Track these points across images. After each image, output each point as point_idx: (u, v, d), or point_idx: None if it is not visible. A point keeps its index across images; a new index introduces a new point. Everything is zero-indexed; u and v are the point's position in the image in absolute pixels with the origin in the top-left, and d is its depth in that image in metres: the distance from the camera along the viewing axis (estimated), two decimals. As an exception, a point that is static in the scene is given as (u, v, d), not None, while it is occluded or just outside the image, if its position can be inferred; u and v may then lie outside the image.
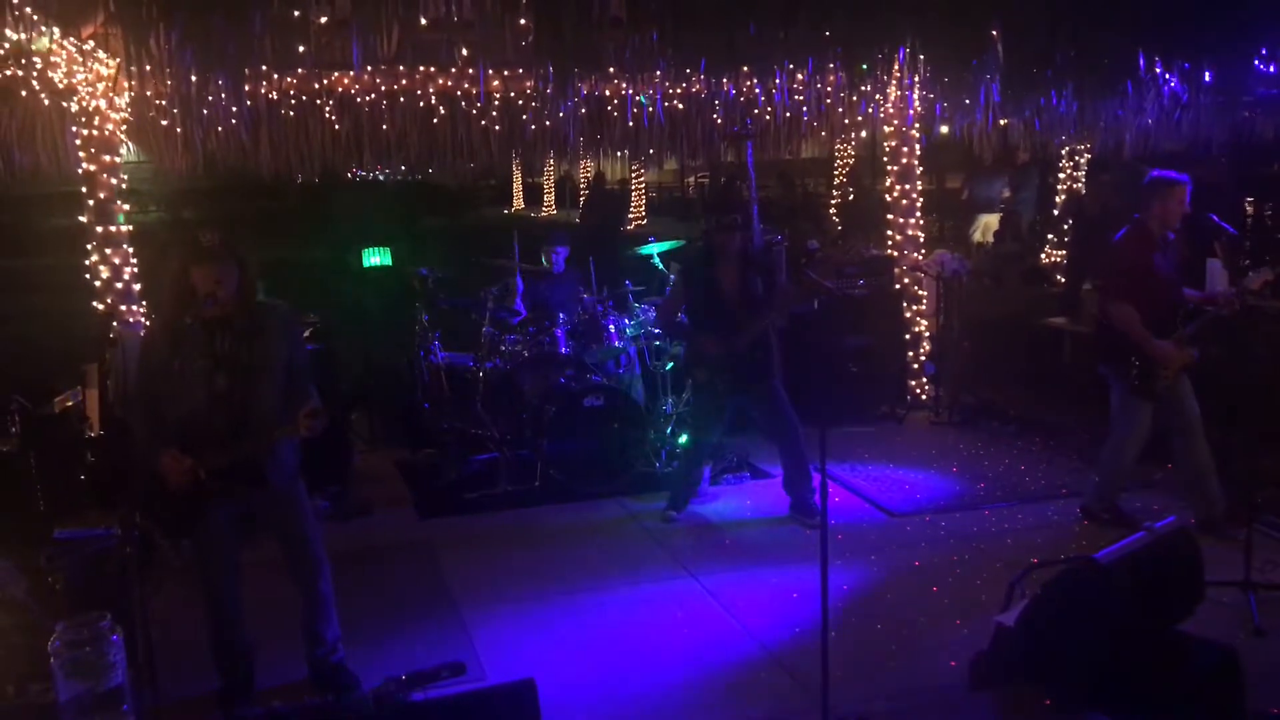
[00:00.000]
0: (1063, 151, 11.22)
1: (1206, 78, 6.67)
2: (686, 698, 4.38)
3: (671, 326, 6.66)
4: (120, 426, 5.53)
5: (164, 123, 7.18)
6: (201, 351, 4.04)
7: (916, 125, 8.49)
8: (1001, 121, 8.33)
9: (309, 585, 4.39)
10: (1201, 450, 5.72)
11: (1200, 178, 9.53)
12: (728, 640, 4.89)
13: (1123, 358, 5.67)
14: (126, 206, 6.98)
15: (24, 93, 6.33)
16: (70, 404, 6.09)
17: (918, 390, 8.82)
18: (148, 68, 5.31)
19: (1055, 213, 11.67)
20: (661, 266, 7.83)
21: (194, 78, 5.44)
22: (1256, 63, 6.54)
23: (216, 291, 3.99)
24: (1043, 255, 11.51)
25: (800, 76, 7.27)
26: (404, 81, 7.30)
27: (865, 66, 6.45)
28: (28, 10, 5.04)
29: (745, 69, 7.21)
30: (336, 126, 7.49)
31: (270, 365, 4.13)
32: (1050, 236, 11.58)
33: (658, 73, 7.23)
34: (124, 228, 6.90)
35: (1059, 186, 11.62)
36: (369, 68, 7.07)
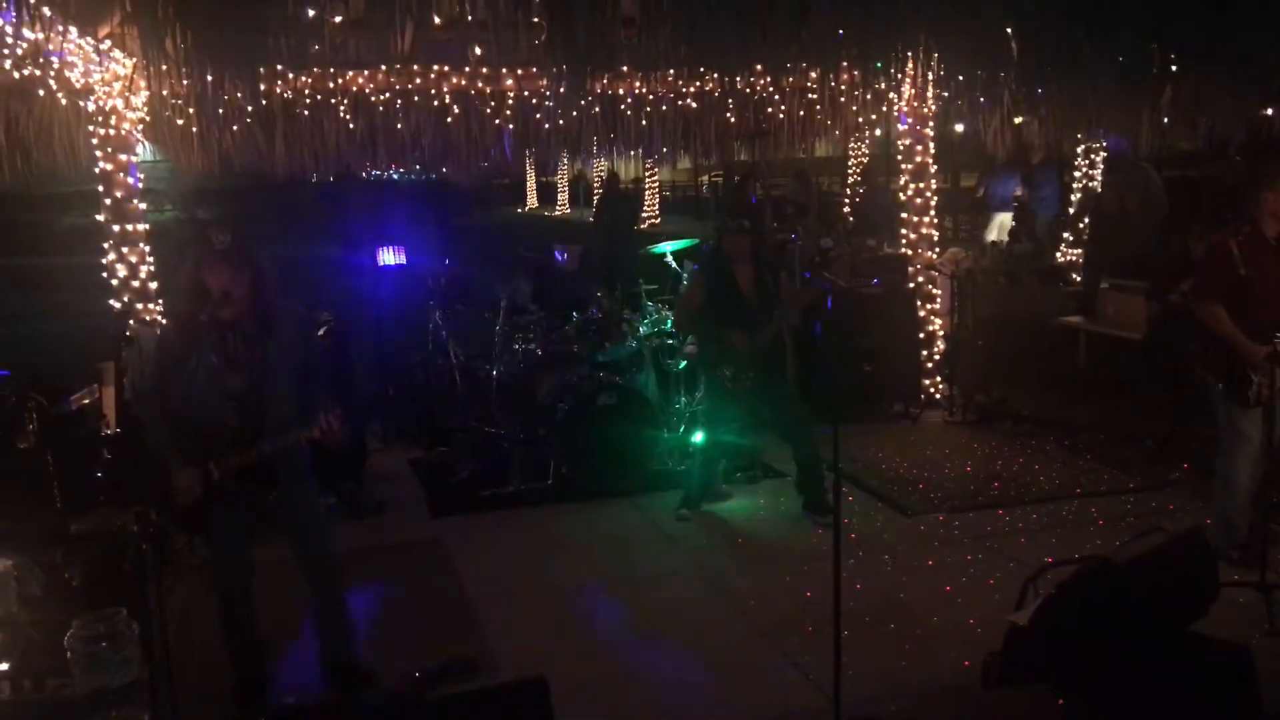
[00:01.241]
0: (1079, 149, 11.17)
1: (1221, 75, 6.62)
2: (700, 695, 4.38)
3: (691, 324, 6.62)
4: (136, 424, 5.56)
5: (180, 122, 7.22)
6: (215, 351, 4.07)
7: (930, 123, 8.47)
8: (1017, 120, 8.30)
9: (321, 583, 4.41)
10: (1257, 472, 5.46)
11: (1216, 176, 9.48)
12: (741, 638, 4.89)
13: (1218, 360, 5.30)
14: (143, 205, 7.01)
15: (41, 92, 6.38)
16: (87, 402, 6.12)
17: (932, 389, 8.79)
18: (164, 67, 5.34)
19: (1071, 211, 11.61)
20: (674, 265, 7.84)
21: (209, 77, 5.47)
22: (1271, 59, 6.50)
23: (229, 291, 4.02)
24: (1058, 254, 11.46)
25: (814, 75, 7.26)
26: (418, 81, 7.33)
27: (879, 65, 6.43)
28: (45, 10, 5.07)
29: (759, 67, 7.21)
30: (351, 126, 7.52)
31: (283, 365, 4.16)
32: (1066, 235, 11.53)
33: (671, 71, 7.23)
34: (140, 226, 6.94)
35: (1074, 185, 11.57)
36: (383, 67, 7.09)
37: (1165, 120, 7.99)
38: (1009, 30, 6.02)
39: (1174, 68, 6.32)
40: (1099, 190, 10.94)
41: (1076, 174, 11.44)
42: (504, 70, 7.27)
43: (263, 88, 6.77)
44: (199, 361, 4.05)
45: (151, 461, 4.16)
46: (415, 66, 7.13)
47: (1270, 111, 8.34)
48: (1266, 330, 5.04)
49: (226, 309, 4.04)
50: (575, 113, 7.26)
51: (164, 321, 6.72)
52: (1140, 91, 6.76)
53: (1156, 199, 9.58)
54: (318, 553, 4.40)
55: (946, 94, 7.27)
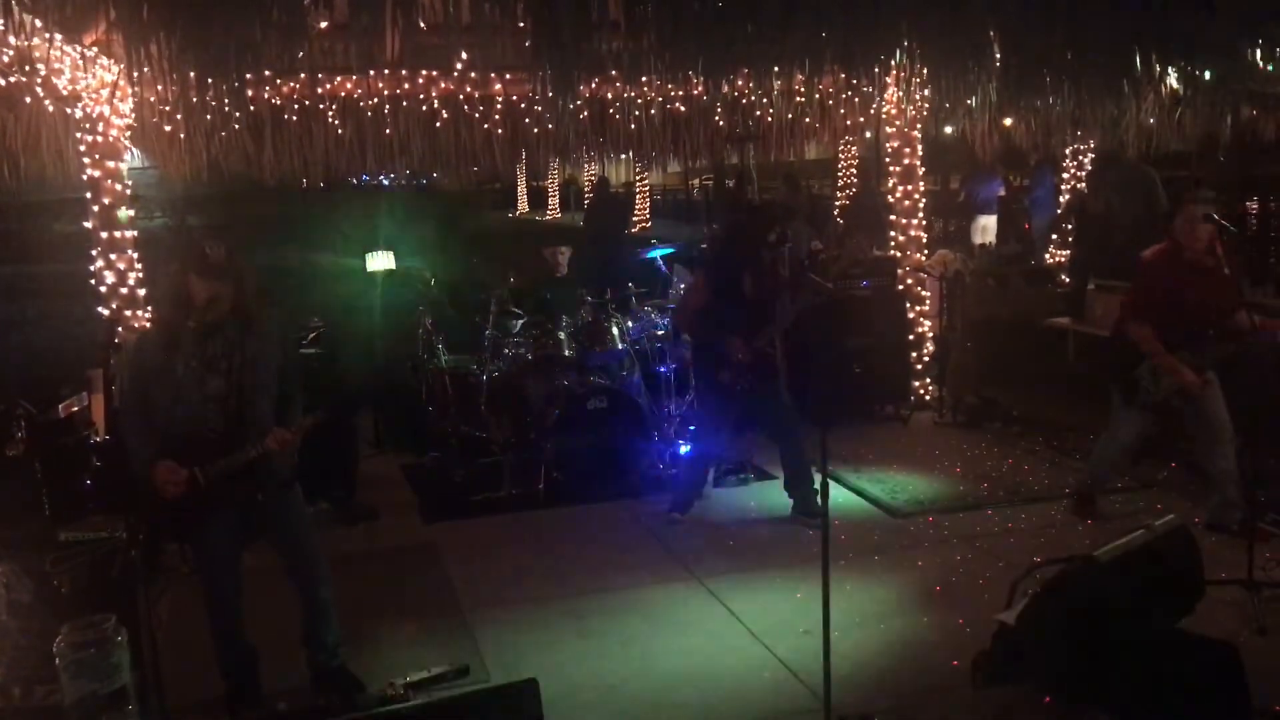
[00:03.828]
0: (1066, 151, 11.20)
1: (1205, 75, 6.65)
2: (690, 697, 4.39)
3: (693, 326, 6.58)
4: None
5: (167, 128, 7.21)
6: (194, 355, 4.07)
7: (917, 126, 8.49)
8: (1007, 121, 8.32)
9: (308, 590, 4.42)
10: (1223, 458, 5.68)
11: (1201, 177, 9.48)
12: (731, 639, 4.90)
13: (1119, 365, 5.82)
14: (131, 212, 7.00)
15: (28, 99, 6.37)
16: (75, 409, 6.12)
17: (921, 391, 8.81)
18: (150, 73, 5.34)
19: (1059, 212, 11.66)
20: (664, 269, 7.86)
21: (194, 81, 5.47)
22: (1257, 60, 6.53)
23: (216, 299, 4.03)
24: (1047, 255, 11.50)
25: (799, 78, 7.28)
26: (406, 86, 7.32)
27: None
28: (32, 17, 5.06)
29: (746, 71, 7.22)
30: (340, 131, 7.51)
31: (262, 368, 4.17)
32: (1054, 236, 11.57)
33: (657, 76, 7.24)
34: (129, 233, 6.93)
35: (1063, 187, 11.61)
36: (370, 72, 7.10)
37: (1152, 121, 8.03)
38: (991, 33, 6.04)
39: (1158, 68, 6.34)
40: (1085, 191, 10.97)
41: (1065, 175, 11.47)
42: (491, 75, 7.28)
43: (250, 94, 6.77)
44: (183, 367, 4.05)
45: (134, 471, 4.16)
46: (403, 71, 7.14)
47: (1255, 112, 8.40)
48: (1190, 342, 5.49)
49: (210, 314, 4.05)
50: (563, 117, 7.26)
51: (142, 329, 6.69)
52: (1126, 92, 6.78)
53: (1160, 200, 9.60)
54: (304, 558, 4.40)
55: (928, 92, 7.28)
